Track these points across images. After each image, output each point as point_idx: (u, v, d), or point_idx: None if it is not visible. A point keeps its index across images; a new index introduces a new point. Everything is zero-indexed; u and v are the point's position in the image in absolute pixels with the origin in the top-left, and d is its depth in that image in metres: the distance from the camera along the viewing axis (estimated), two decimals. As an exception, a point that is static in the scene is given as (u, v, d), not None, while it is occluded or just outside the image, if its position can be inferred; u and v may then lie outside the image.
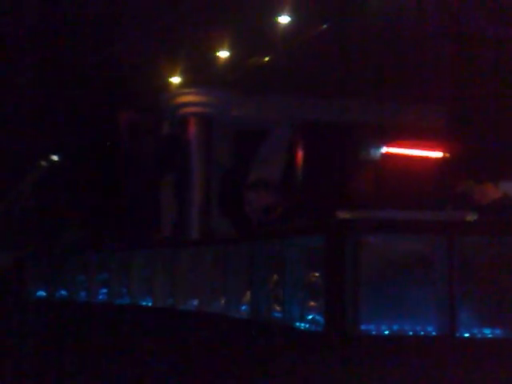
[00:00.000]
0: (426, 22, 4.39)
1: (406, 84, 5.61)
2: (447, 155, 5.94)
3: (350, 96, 6.13)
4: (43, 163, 8.28)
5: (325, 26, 4.50)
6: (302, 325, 2.46)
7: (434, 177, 5.94)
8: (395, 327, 2.22)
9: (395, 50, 4.93)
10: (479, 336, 2.24)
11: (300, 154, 6.67)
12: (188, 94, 6.22)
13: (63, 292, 5.02)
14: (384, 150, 6.66)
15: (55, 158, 8.13)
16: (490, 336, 2.25)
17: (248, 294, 2.90)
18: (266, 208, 3.59)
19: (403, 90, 5.75)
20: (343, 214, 2.41)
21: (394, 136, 6.48)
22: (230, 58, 5.26)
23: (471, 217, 2.44)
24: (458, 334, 2.21)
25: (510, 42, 4.29)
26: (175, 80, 5.95)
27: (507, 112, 4.95)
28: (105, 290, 4.42)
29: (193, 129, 6.35)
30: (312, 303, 2.47)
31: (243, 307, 2.93)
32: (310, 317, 2.44)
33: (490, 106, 5.18)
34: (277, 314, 2.65)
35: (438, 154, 6.37)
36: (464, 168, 3.36)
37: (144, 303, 3.93)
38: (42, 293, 5.34)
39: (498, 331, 2.26)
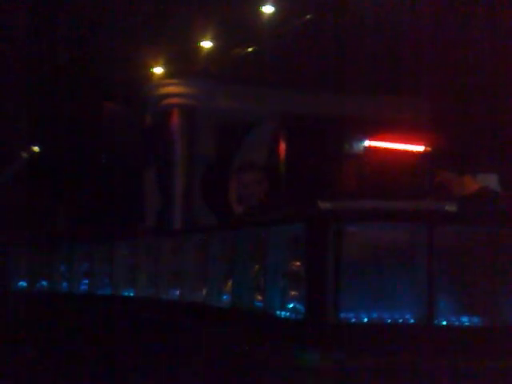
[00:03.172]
0: (409, 13, 4.42)
1: (387, 76, 5.65)
2: (428, 148, 6.00)
3: (334, 89, 6.15)
4: (24, 154, 8.20)
5: (308, 17, 4.51)
6: (283, 313, 2.48)
7: (415, 169, 6.00)
8: (374, 315, 2.24)
9: (377, 42, 4.96)
10: (457, 324, 2.27)
11: (283, 147, 6.68)
12: (171, 84, 6.19)
13: (44, 283, 4.99)
14: (367, 143, 6.69)
15: (36, 148, 8.05)
16: (467, 324, 2.28)
17: (230, 283, 2.91)
18: (241, 198, 3.59)
19: (385, 82, 5.79)
20: (325, 204, 2.43)
21: (377, 129, 6.52)
22: (214, 49, 5.25)
23: (451, 207, 2.47)
24: (435, 322, 2.24)
25: (493, 34, 4.34)
26: (158, 70, 5.92)
27: (488, 104, 5.01)
28: (87, 281, 4.40)
29: (176, 120, 6.32)
30: (293, 292, 2.49)
31: (225, 296, 2.94)
32: (291, 305, 2.46)
33: (470, 98, 5.23)
34: (258, 303, 2.67)
35: (419, 147, 6.43)
36: (444, 160, 3.40)
37: (126, 293, 3.92)
38: (23, 283, 5.31)
39: (475, 319, 2.30)
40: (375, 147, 6.66)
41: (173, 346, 3.25)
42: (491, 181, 3.43)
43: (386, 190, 5.44)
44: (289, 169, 6.52)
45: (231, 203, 3.98)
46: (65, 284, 4.66)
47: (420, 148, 6.32)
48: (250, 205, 3.68)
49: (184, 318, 3.24)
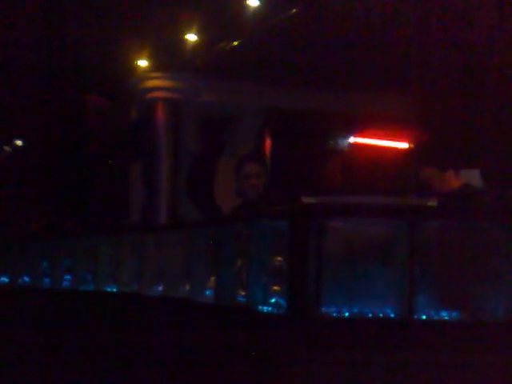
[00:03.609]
0: (396, 9, 4.43)
1: (373, 72, 5.66)
2: (412, 144, 6.04)
3: (319, 85, 6.16)
4: (7, 148, 8.13)
5: (294, 11, 4.51)
6: (265, 308, 2.49)
7: (399, 166, 6.04)
8: (355, 310, 2.26)
9: (365, 36, 4.96)
10: (436, 318, 2.29)
11: (268, 142, 6.69)
12: (156, 78, 6.16)
13: (26, 278, 4.96)
14: (352, 139, 6.73)
15: (19, 142, 7.99)
16: (446, 318, 2.31)
17: (213, 278, 2.91)
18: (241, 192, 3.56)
19: (371, 78, 5.81)
20: (307, 199, 2.44)
21: (362, 126, 6.55)
22: (199, 42, 5.23)
23: (432, 203, 2.49)
24: (415, 317, 2.26)
25: (478, 28, 4.34)
26: (143, 64, 5.89)
27: (472, 101, 5.04)
28: (69, 277, 4.37)
29: (161, 114, 6.31)
30: (275, 287, 2.50)
31: (208, 292, 2.94)
32: (273, 300, 2.47)
33: (454, 95, 5.26)
34: (241, 298, 2.67)
35: (403, 144, 6.48)
36: (428, 156, 3.43)
37: (109, 289, 3.90)
38: (4, 279, 5.27)
39: (454, 314, 2.32)
40: (360, 143, 6.70)
41: (155, 341, 3.24)
42: (473, 177, 3.46)
43: (369, 185, 5.47)
44: (273, 163, 6.54)
45: (216, 198, 3.96)
46: (47, 279, 4.63)
47: (404, 145, 6.37)
48: (249, 198, 3.61)
49: (167, 314, 3.23)
